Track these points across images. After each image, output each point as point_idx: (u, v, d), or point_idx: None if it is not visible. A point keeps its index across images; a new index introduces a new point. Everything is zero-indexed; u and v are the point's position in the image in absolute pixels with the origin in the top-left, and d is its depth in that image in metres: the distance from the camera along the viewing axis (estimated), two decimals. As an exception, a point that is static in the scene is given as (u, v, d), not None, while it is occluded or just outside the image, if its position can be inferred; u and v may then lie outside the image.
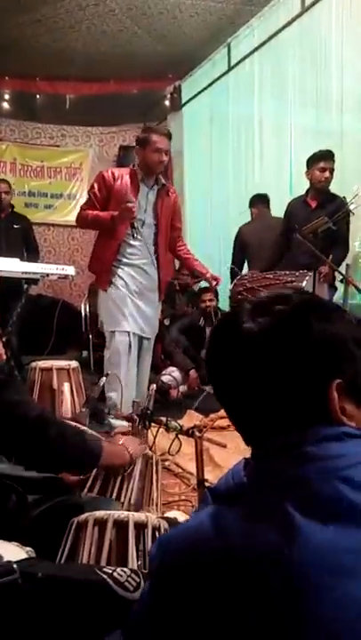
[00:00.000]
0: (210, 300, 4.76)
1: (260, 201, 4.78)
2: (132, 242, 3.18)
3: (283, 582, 0.54)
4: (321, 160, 3.62)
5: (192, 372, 4.31)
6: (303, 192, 3.86)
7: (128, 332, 3.17)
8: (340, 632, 0.52)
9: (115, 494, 1.44)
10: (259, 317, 0.69)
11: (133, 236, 3.11)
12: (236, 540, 0.59)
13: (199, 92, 5.95)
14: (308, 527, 0.56)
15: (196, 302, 5.00)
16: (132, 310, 3.20)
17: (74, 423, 1.63)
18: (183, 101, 6.32)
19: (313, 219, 3.37)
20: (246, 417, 0.71)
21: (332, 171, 3.63)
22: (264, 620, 0.54)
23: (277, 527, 0.57)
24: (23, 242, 4.88)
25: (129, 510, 1.34)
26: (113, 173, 3.19)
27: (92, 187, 3.25)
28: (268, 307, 0.70)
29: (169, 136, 3.24)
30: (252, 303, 0.72)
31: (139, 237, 3.15)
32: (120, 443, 1.45)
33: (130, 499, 1.44)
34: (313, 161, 3.67)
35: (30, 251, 4.85)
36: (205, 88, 5.80)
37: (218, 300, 4.92)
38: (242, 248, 4.71)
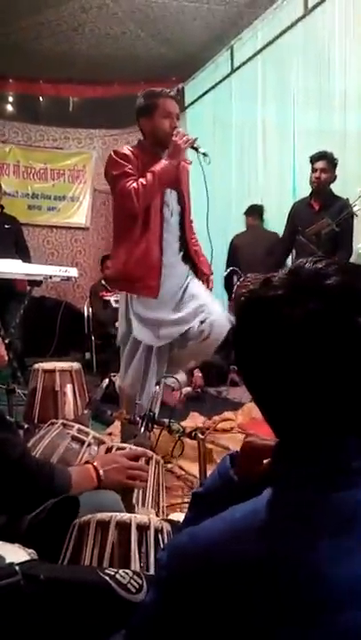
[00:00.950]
0: None
1: (255, 212, 4.88)
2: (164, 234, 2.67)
3: (304, 594, 0.53)
4: (314, 161, 3.75)
5: (196, 372, 4.30)
6: (307, 194, 3.90)
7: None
8: None
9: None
10: (303, 301, 0.59)
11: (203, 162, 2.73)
12: (256, 547, 0.56)
13: (202, 95, 5.95)
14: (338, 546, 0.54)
15: None
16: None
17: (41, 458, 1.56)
18: (186, 104, 6.33)
19: (316, 221, 3.42)
20: (280, 409, 0.63)
21: (326, 171, 3.70)
22: (281, 629, 0.53)
23: (299, 536, 0.55)
24: (13, 242, 4.88)
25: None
26: (128, 150, 2.63)
27: (117, 165, 2.56)
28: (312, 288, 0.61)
29: (176, 99, 2.79)
30: (289, 286, 0.61)
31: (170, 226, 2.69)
32: (94, 463, 1.36)
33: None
34: (310, 163, 3.79)
35: (21, 251, 4.85)
36: (208, 90, 5.80)
37: None
38: (234, 258, 4.74)
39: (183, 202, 2.84)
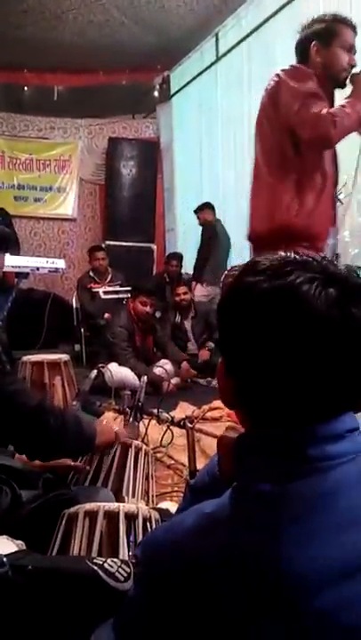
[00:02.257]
0: (184, 294, 4.78)
1: (207, 208, 5.17)
2: None
3: (272, 584, 0.53)
4: None
5: (185, 364, 4.32)
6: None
7: None
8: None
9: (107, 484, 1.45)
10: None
11: None
12: (220, 541, 0.57)
13: (188, 83, 5.92)
14: (294, 530, 0.55)
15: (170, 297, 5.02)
16: None
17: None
18: (172, 92, 6.29)
19: None
20: (252, 395, 0.62)
21: None
22: (253, 620, 0.53)
23: (261, 528, 0.56)
24: None
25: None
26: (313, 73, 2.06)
27: (303, 78, 1.99)
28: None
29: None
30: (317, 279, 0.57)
31: None
32: (104, 422, 1.51)
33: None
34: None
35: (11, 244, 4.83)
36: (194, 78, 5.77)
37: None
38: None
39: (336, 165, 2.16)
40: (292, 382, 0.58)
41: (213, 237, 5.20)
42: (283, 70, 2.04)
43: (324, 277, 0.57)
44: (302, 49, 2.13)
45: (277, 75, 2.05)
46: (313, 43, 2.08)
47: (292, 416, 0.60)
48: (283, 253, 0.61)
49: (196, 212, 5.37)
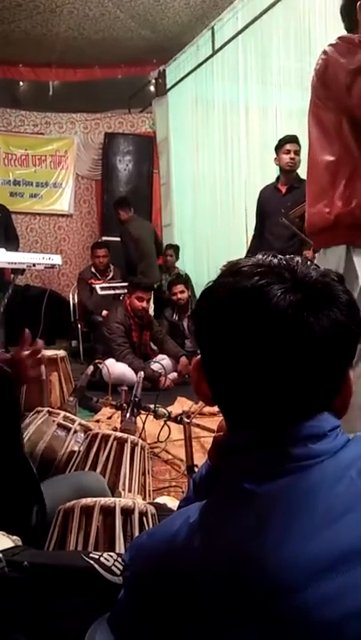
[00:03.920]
0: (181, 293, 4.77)
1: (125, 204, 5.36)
2: None
3: (254, 582, 0.53)
4: (286, 143, 3.82)
5: (183, 359, 4.32)
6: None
7: None
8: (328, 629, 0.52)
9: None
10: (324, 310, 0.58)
11: None
12: (202, 543, 0.57)
13: (184, 77, 5.89)
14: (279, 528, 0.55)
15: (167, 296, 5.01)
16: None
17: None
18: (168, 86, 6.26)
19: (284, 204, 3.55)
20: (232, 395, 0.63)
21: (297, 153, 3.79)
22: (236, 619, 0.53)
23: (244, 527, 0.56)
24: (3, 231, 4.86)
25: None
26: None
27: (343, 64, 1.75)
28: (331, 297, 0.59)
29: None
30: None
31: None
32: None
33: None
34: (279, 146, 3.87)
35: (10, 239, 4.83)
36: (190, 72, 5.74)
37: (191, 290, 4.99)
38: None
39: None
40: (256, 381, 0.59)
41: (126, 240, 5.28)
42: (330, 45, 1.81)
43: (292, 282, 0.58)
44: (347, 12, 1.86)
45: (324, 51, 1.83)
46: (359, 2, 1.79)
47: (263, 415, 0.60)
48: (261, 256, 0.63)
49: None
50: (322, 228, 1.89)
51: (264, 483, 0.57)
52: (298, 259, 0.62)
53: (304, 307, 0.57)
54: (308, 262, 0.63)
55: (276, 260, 0.62)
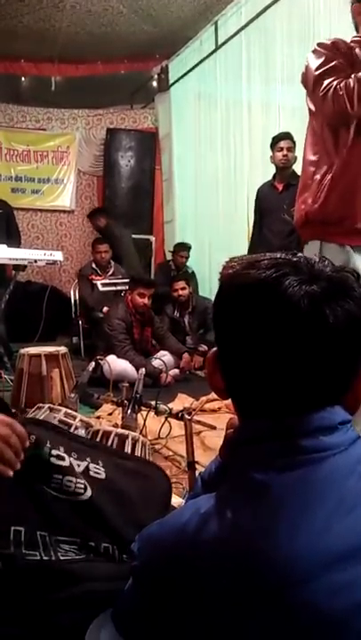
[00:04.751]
0: (182, 289, 4.76)
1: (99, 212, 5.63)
2: None
3: (264, 573, 0.53)
4: (280, 140, 3.90)
5: (185, 356, 4.31)
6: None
7: None
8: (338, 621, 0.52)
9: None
10: (340, 303, 0.58)
11: None
12: (213, 534, 0.57)
13: (187, 72, 5.86)
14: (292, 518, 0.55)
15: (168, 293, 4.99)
16: None
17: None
18: (171, 81, 6.23)
19: (281, 201, 3.62)
20: (246, 386, 0.63)
21: (291, 150, 3.86)
22: (247, 610, 0.53)
23: (254, 518, 0.56)
24: (5, 227, 4.86)
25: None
26: (340, 42, 1.89)
27: (310, 68, 1.87)
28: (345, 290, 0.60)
29: None
30: (323, 287, 0.59)
31: None
32: None
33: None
34: (273, 143, 3.95)
35: (11, 236, 4.83)
36: (193, 68, 5.71)
37: (193, 286, 4.98)
38: None
39: None
40: (270, 371, 0.60)
41: (116, 243, 5.36)
42: (311, 52, 1.93)
43: (309, 275, 0.60)
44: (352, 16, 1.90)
45: (306, 57, 1.94)
46: (354, 6, 1.87)
47: (275, 406, 0.61)
48: (278, 254, 0.64)
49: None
50: (301, 224, 1.98)
51: (276, 474, 0.58)
52: (315, 258, 0.63)
53: (319, 298, 0.58)
54: (325, 260, 0.64)
55: (292, 256, 0.63)
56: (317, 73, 1.82)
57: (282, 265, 0.61)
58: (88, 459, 1.03)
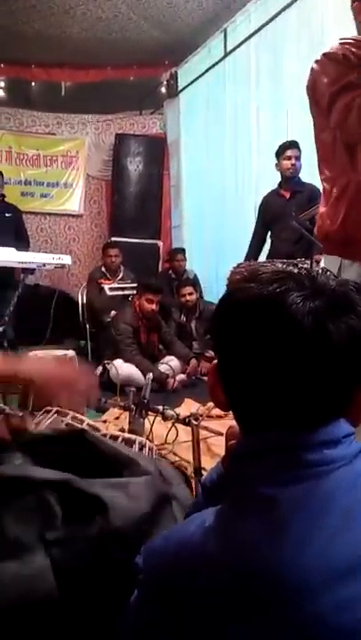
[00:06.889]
0: (189, 295, 4.76)
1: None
2: None
3: (271, 588, 0.53)
4: (287, 149, 3.90)
5: (193, 361, 4.31)
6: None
7: None
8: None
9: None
10: (343, 318, 0.58)
11: None
12: (218, 548, 0.57)
13: (196, 79, 5.89)
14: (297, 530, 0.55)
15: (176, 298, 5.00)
16: None
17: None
18: (180, 88, 6.26)
19: (288, 208, 3.65)
20: (248, 400, 0.64)
21: (298, 158, 3.87)
22: (254, 625, 0.53)
23: (260, 533, 0.56)
24: (14, 231, 4.90)
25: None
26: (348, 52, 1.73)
27: (334, 75, 1.74)
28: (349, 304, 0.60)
29: None
30: (328, 300, 0.59)
31: None
32: None
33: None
34: (279, 152, 3.94)
35: (21, 239, 4.86)
36: (202, 74, 5.74)
37: (199, 292, 4.98)
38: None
39: None
40: (272, 387, 0.59)
41: None
42: (315, 61, 1.83)
43: (311, 290, 0.59)
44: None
45: (311, 68, 1.84)
46: (356, 4, 1.77)
47: (278, 420, 0.61)
48: (280, 265, 0.64)
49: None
50: (321, 238, 1.96)
51: (282, 488, 0.58)
52: (318, 268, 0.63)
53: (323, 314, 0.58)
54: (327, 271, 0.63)
55: (295, 269, 0.63)
56: (334, 89, 1.73)
57: (284, 279, 0.60)
58: None
